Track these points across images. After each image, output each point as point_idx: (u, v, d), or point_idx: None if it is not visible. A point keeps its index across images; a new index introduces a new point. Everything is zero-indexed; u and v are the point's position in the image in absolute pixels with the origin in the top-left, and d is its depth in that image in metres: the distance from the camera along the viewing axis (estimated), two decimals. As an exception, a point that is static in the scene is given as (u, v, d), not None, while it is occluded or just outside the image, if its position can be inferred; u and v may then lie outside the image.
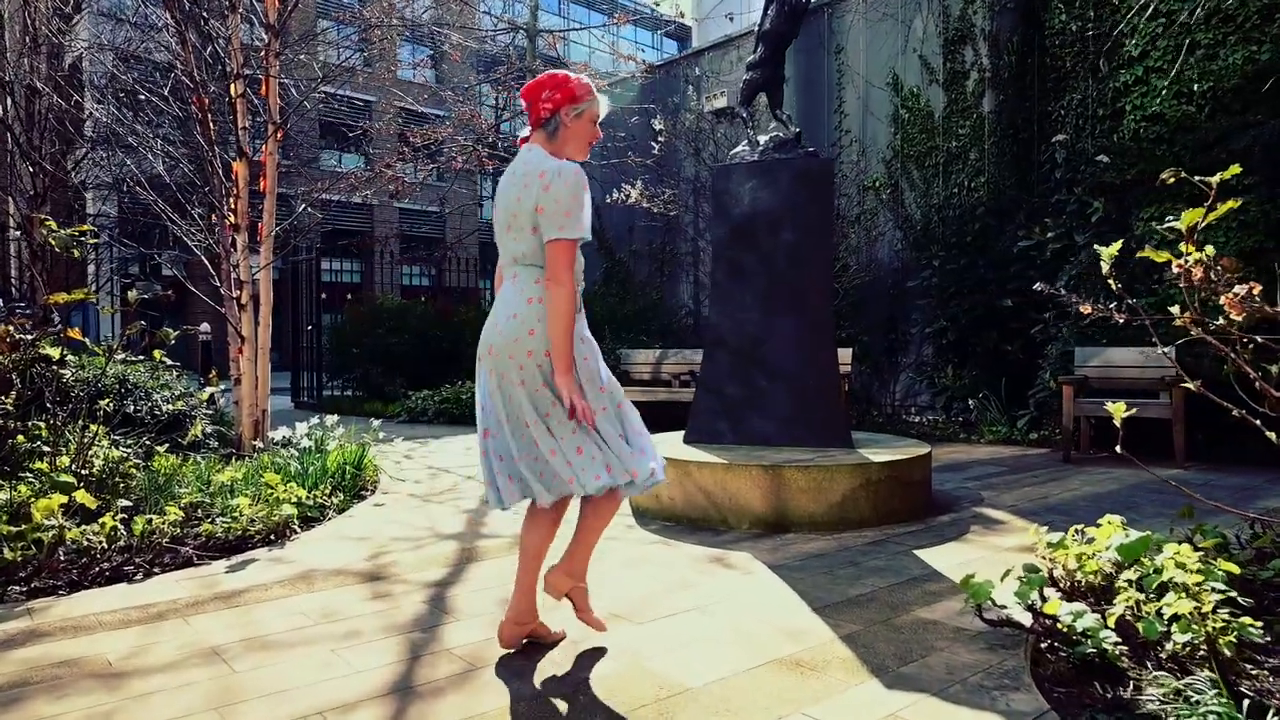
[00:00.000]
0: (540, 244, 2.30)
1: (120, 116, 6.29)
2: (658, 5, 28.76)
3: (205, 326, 9.53)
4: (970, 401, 8.08)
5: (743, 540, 3.96)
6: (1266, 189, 6.87)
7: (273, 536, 3.96)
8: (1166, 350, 3.22)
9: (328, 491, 4.65)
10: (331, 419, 5.62)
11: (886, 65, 10.07)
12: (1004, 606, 2.70)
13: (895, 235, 9.92)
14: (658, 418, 9.32)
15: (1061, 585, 2.98)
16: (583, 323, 2.44)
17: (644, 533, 4.17)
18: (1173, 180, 2.67)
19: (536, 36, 15.35)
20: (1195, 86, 7.32)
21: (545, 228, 2.26)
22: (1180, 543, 2.73)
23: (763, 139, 4.93)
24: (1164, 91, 7.52)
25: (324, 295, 12.57)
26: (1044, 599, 2.60)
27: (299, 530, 4.15)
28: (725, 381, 4.90)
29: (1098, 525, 3.14)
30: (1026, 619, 2.62)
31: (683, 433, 5.13)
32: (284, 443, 5.53)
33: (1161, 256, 2.58)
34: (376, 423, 6.23)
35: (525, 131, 2.52)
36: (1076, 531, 3.20)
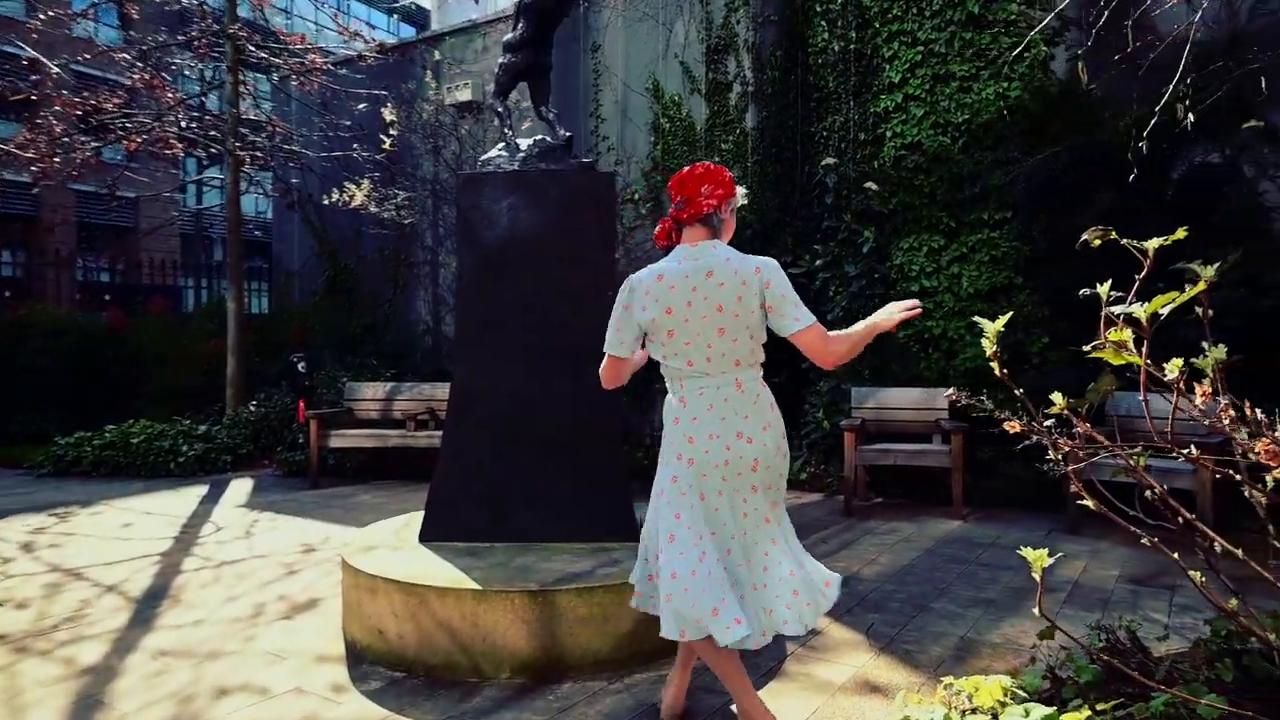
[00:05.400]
0: (759, 344, 2.35)
1: None
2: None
3: None
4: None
5: (503, 703, 2.83)
6: (1019, 225, 6.89)
7: None
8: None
9: None
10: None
11: (647, 70, 9.35)
12: None
13: (656, 253, 9.21)
14: (390, 470, 7.90)
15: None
16: None
17: (357, 697, 2.89)
18: (1098, 242, 2.00)
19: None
20: (952, 118, 7.24)
21: (780, 322, 2.30)
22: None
23: (524, 143, 3.82)
24: (923, 121, 7.39)
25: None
26: None
27: None
28: (479, 458, 3.73)
29: (974, 686, 2.40)
30: None
31: (417, 522, 3.89)
32: None
33: (1121, 349, 1.81)
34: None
35: (659, 228, 2.46)
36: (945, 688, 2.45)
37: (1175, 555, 2.15)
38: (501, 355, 3.72)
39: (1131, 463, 2.32)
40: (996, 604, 3.82)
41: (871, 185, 7.07)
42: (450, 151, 9.48)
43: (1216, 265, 1.96)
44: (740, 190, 2.45)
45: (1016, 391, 2.29)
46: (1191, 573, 2.18)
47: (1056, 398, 2.27)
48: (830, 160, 7.59)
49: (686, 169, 2.40)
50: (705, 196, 2.33)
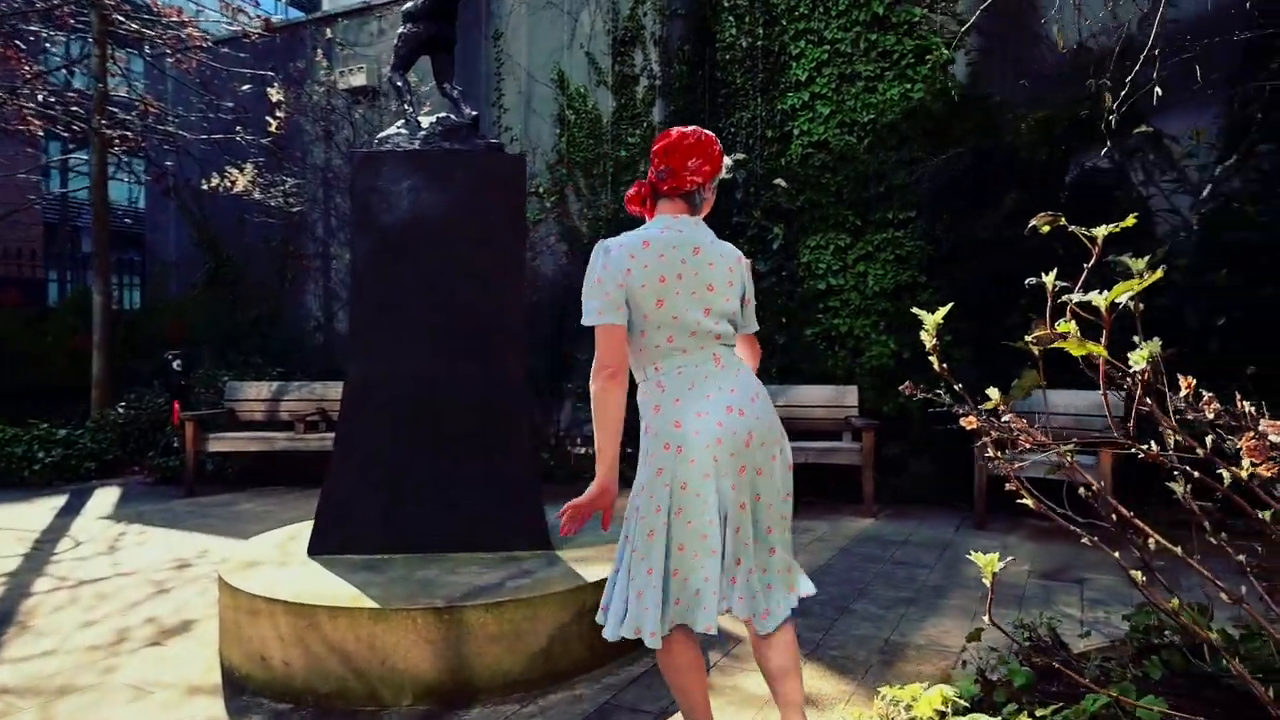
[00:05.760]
0: (735, 330, 2.23)
1: None
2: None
3: None
4: (649, 439, 7.34)
5: (405, 734, 2.56)
6: (923, 225, 6.98)
7: None
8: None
9: None
10: None
11: (551, 59, 9.09)
12: None
13: (560, 248, 8.96)
14: (276, 475, 7.38)
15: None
16: None
17: (239, 735, 2.57)
18: (1047, 229, 1.93)
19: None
20: (857, 118, 7.28)
21: (747, 320, 2.27)
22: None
23: (426, 121, 3.53)
24: (829, 120, 7.41)
25: None
26: None
27: None
28: (377, 458, 3.42)
29: (911, 696, 2.29)
30: None
31: (306, 534, 3.55)
32: None
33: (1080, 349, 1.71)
34: None
35: (634, 190, 2.25)
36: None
37: (1090, 544, 2.08)
38: (402, 340, 3.42)
39: (1066, 461, 2.25)
40: (916, 603, 3.76)
41: (781, 182, 7.03)
42: (343, 137, 8.96)
43: (1147, 258, 1.90)
44: (726, 161, 2.22)
45: (956, 386, 2.18)
46: (1133, 572, 2.11)
47: (993, 393, 2.16)
48: (740, 156, 7.52)
49: (676, 133, 2.16)
50: (691, 171, 2.13)
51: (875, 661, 3.09)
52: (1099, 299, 1.69)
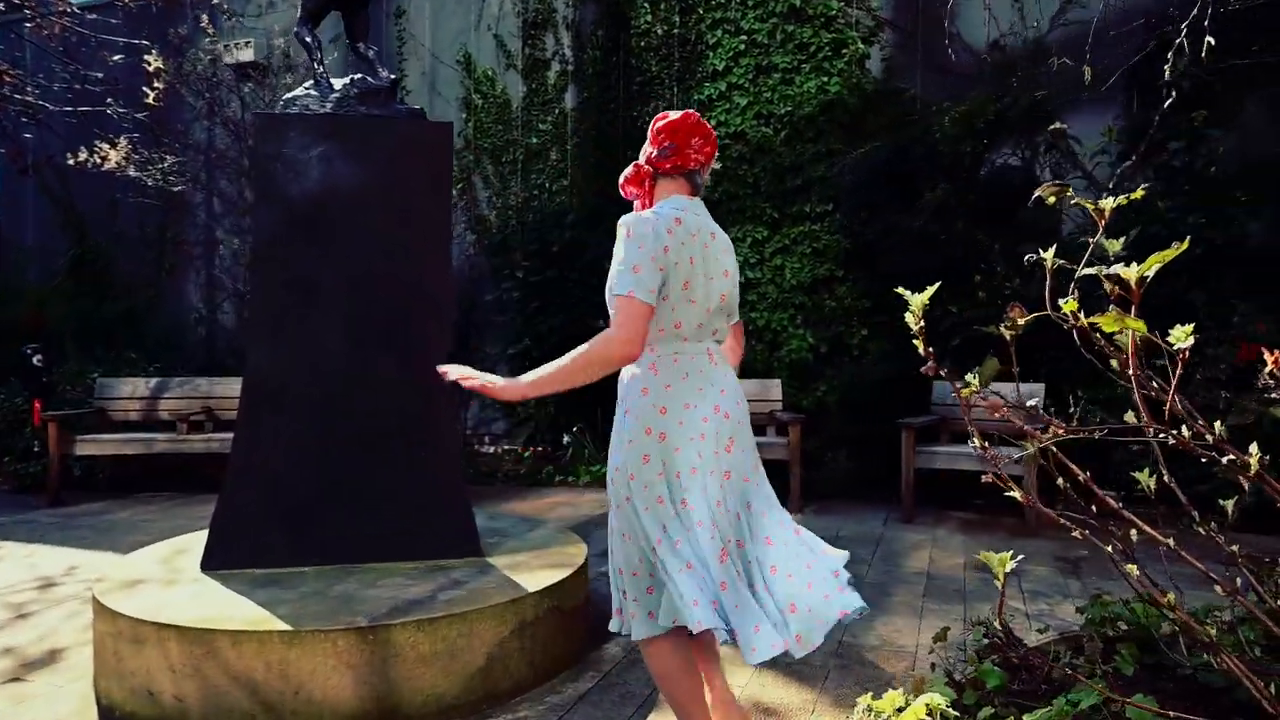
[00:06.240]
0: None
1: None
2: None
3: None
4: (565, 437, 7.08)
5: (326, 774, 2.22)
6: (841, 219, 6.96)
7: None
8: (931, 366, 2.35)
9: None
10: None
11: (457, 41, 8.68)
12: None
13: (468, 239, 8.57)
14: (156, 481, 6.68)
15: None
16: None
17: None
18: (1053, 200, 1.81)
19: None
20: (774, 110, 7.20)
21: (735, 308, 2.19)
22: None
23: (339, 83, 3.16)
24: (746, 111, 7.31)
25: None
26: None
27: None
28: (284, 460, 3.04)
29: (892, 707, 2.14)
30: None
31: (197, 546, 3.13)
32: None
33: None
34: None
35: (630, 171, 2.11)
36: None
37: (1080, 537, 1.97)
38: (312, 327, 3.05)
39: (1032, 449, 2.13)
40: (861, 601, 3.64)
41: (700, 172, 6.86)
42: (230, 112, 8.29)
43: (1123, 240, 1.80)
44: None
45: (942, 373, 2.03)
46: (1129, 567, 2.00)
47: (971, 379, 2.03)
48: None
49: (676, 115, 2.10)
50: (695, 150, 2.06)
51: (833, 666, 2.94)
52: (1129, 272, 1.54)
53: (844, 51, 7.14)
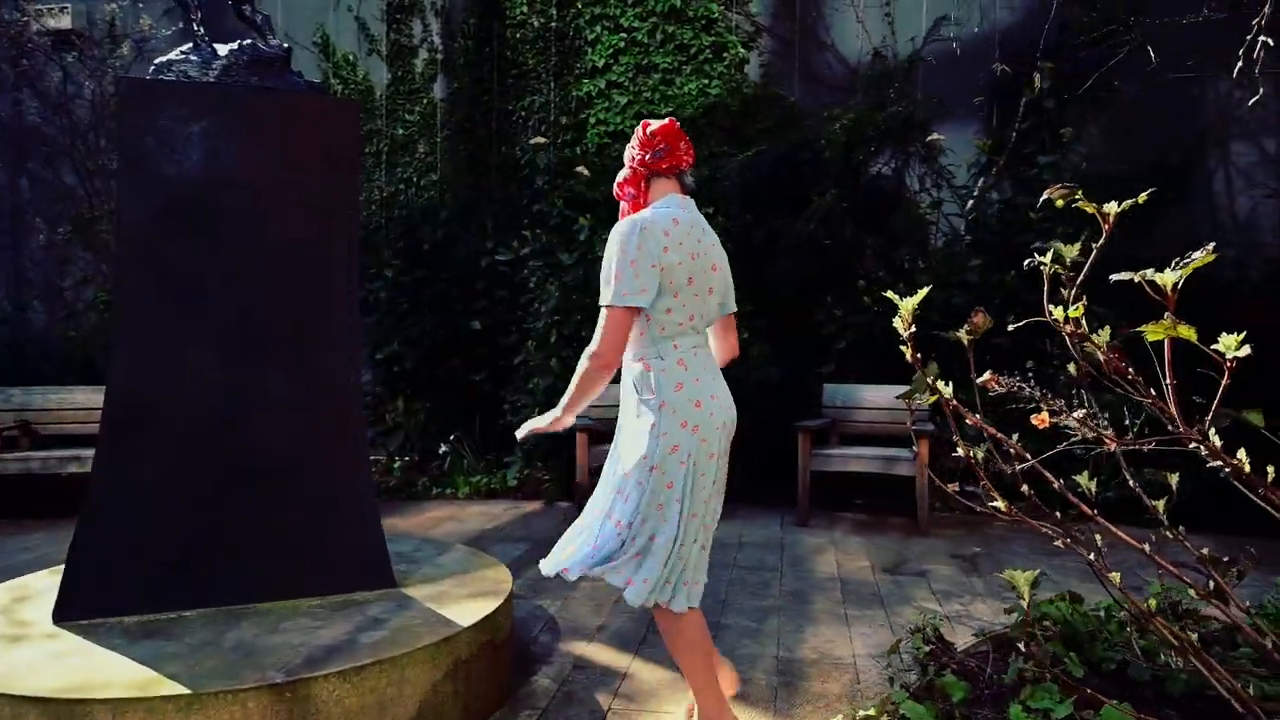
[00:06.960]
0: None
1: None
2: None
3: None
4: (442, 446, 6.67)
5: None
6: (726, 222, 6.94)
7: None
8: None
9: None
10: None
11: (313, 21, 8.06)
12: None
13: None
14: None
15: None
16: None
17: None
18: (1061, 202, 1.79)
19: None
20: (655, 110, 7.10)
21: (729, 300, 2.29)
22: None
23: (225, 49, 2.74)
24: (626, 110, 7.17)
25: None
26: None
27: None
28: (153, 490, 2.58)
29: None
30: None
31: (40, 593, 2.62)
32: None
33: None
34: None
35: (629, 174, 2.24)
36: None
37: (1064, 547, 1.94)
38: (191, 333, 2.62)
39: (1017, 451, 2.11)
40: (784, 612, 3.56)
41: (583, 170, 6.67)
42: (48, 86, 7.30)
43: (1079, 242, 1.81)
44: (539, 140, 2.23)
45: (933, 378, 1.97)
46: (1113, 576, 1.98)
47: (944, 388, 2.01)
48: (541, 139, 7.06)
49: (663, 122, 2.23)
50: (684, 152, 2.22)
51: (778, 684, 2.82)
52: (1165, 277, 1.50)
53: (724, 55, 7.14)
